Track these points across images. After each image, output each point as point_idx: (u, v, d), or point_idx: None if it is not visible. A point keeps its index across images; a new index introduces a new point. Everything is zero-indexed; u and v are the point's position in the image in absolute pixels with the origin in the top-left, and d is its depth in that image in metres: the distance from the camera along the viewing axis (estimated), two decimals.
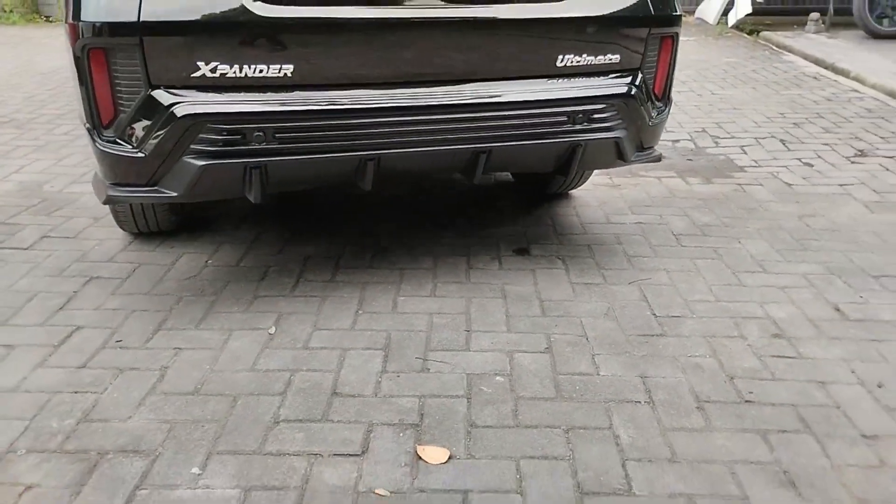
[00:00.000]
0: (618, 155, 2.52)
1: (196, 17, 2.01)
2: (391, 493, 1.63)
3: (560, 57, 2.34)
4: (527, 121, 2.34)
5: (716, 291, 2.55)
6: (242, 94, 2.09)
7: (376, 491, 1.63)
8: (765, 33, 8.40)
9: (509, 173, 3.62)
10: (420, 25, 2.19)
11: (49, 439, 1.79)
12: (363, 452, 1.75)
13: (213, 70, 2.03)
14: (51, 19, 9.25)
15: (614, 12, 2.38)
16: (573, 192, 3.49)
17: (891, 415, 1.90)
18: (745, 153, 4.17)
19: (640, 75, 2.48)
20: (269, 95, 2.10)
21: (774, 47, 7.84)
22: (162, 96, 2.03)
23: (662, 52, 2.52)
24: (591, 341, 2.23)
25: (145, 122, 2.06)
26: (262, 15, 2.03)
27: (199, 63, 2.02)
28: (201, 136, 2.06)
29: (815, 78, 6.19)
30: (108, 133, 2.09)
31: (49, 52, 7.24)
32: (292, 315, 2.37)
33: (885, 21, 7.79)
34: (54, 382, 2.01)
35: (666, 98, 2.63)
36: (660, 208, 3.33)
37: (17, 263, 2.71)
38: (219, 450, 1.76)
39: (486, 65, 2.29)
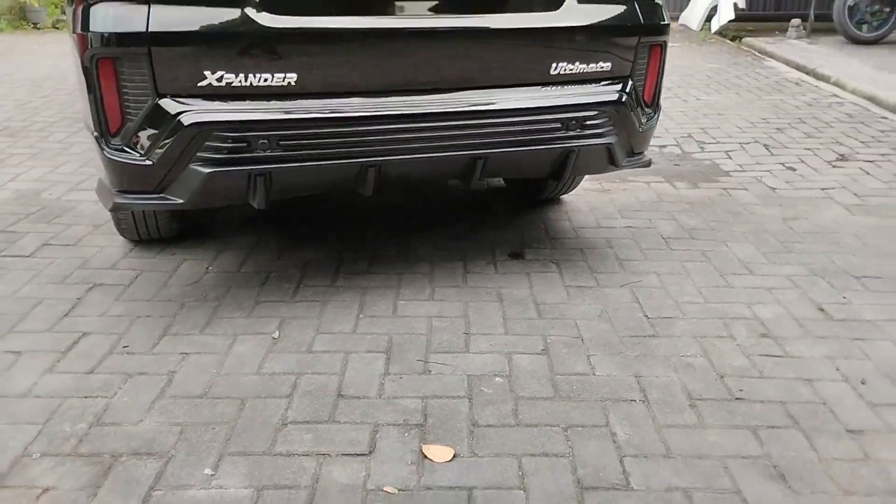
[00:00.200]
0: (609, 160, 2.60)
1: (203, 27, 2.06)
2: (399, 490, 1.69)
3: (554, 65, 2.42)
4: (522, 127, 2.41)
5: (704, 293, 2.63)
6: (247, 102, 2.14)
7: (385, 489, 1.69)
8: (747, 39, 8.55)
9: (501, 179, 3.70)
10: (419, 35, 2.26)
11: (63, 443, 1.83)
12: (370, 452, 1.81)
13: (220, 79, 2.09)
14: (38, 26, 9.23)
15: (605, 21, 2.47)
16: (564, 197, 3.57)
17: (874, 410, 1.98)
18: (731, 158, 4.27)
19: (630, 83, 2.56)
20: (274, 104, 2.16)
21: (757, 53, 7.98)
22: (169, 105, 2.08)
23: (651, 60, 2.60)
24: (586, 342, 2.31)
25: (152, 131, 2.11)
26: (267, 25, 2.09)
27: (205, 72, 2.08)
28: (207, 143, 2.12)
29: (797, 83, 6.32)
30: (116, 141, 2.13)
31: (38, 59, 7.25)
32: (294, 320, 2.43)
33: (865, 27, 7.96)
34: (64, 387, 2.05)
35: (655, 105, 2.71)
36: (649, 212, 3.42)
37: (19, 271, 2.75)
38: (230, 451, 1.81)
39: (482, 73, 2.37)
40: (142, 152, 2.14)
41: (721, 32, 9.05)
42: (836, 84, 6.13)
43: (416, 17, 2.25)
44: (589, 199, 3.58)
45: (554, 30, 2.40)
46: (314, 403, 1.99)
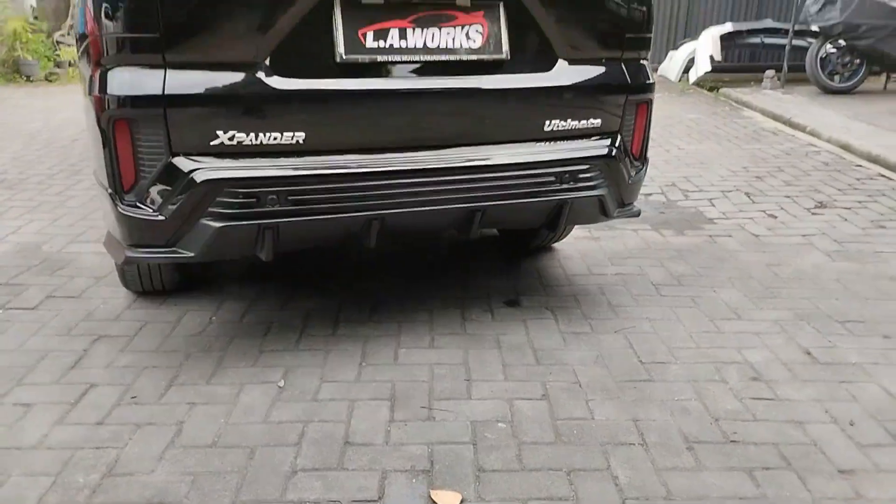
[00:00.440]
0: (601, 211, 2.72)
1: (216, 90, 2.16)
2: None
3: (547, 122, 2.54)
4: (518, 181, 2.52)
5: (695, 338, 2.72)
6: (257, 159, 2.23)
7: None
8: (724, 90, 8.85)
9: (495, 229, 3.80)
10: (421, 95, 2.38)
11: (77, 493, 1.87)
12: (380, 498, 1.86)
13: (231, 138, 2.18)
14: (31, 79, 9.36)
15: (595, 81, 2.60)
16: (556, 245, 3.67)
17: (863, 451, 2.06)
18: (714, 206, 4.42)
19: (619, 138, 2.69)
20: (282, 161, 2.25)
21: (734, 103, 8.25)
22: (182, 163, 2.17)
23: (639, 116, 2.74)
24: (584, 387, 2.38)
25: (166, 187, 2.19)
26: (277, 88, 2.20)
27: (217, 132, 2.17)
28: (218, 199, 2.20)
29: (774, 133, 6.55)
30: (130, 197, 2.21)
31: (32, 112, 7.36)
32: (299, 368, 2.48)
33: (837, 77, 8.28)
34: (75, 438, 2.09)
35: (643, 158, 2.84)
36: (638, 259, 3.53)
37: (25, 323, 2.79)
38: (242, 500, 1.85)
39: (480, 130, 2.48)
40: (154, 208, 2.21)
41: (699, 83, 9.36)
42: (811, 133, 6.36)
43: (417, 79, 2.37)
44: (579, 246, 3.69)
45: (547, 89, 2.53)
46: (322, 451, 2.04)
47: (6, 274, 3.26)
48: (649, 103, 2.78)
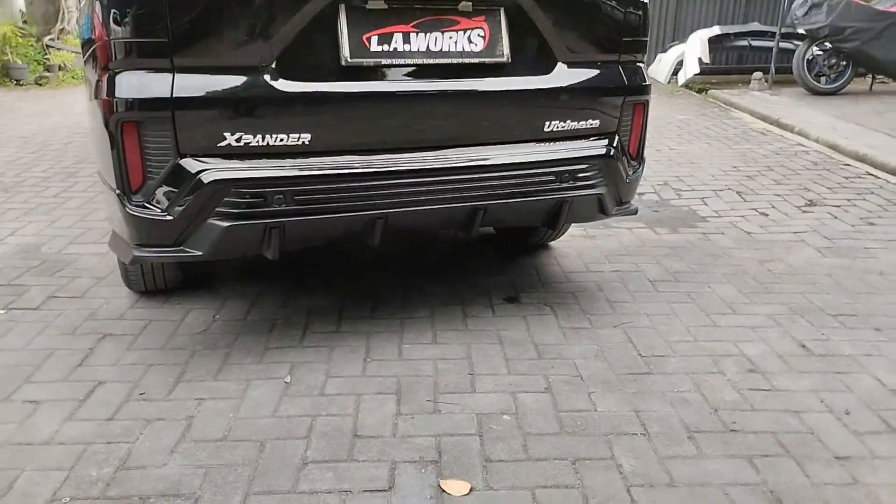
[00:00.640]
0: (600, 209, 2.77)
1: (224, 93, 2.20)
2: None
3: (547, 123, 2.59)
4: (519, 180, 2.57)
5: (693, 332, 2.78)
6: (264, 160, 2.27)
7: None
8: (713, 91, 8.95)
9: (492, 228, 3.85)
10: (424, 97, 2.42)
11: (91, 487, 1.89)
12: (390, 488, 1.90)
13: (239, 140, 2.22)
14: (21, 83, 9.33)
15: (593, 83, 2.66)
16: (552, 243, 3.72)
17: (859, 438, 2.12)
18: (706, 204, 4.49)
19: (616, 138, 2.74)
20: (289, 161, 2.29)
21: (723, 104, 8.35)
22: (190, 164, 2.20)
23: (635, 117, 2.80)
24: (586, 380, 2.43)
25: (173, 188, 2.22)
26: (284, 90, 2.24)
27: (225, 134, 2.21)
28: (226, 199, 2.23)
29: (763, 133, 6.64)
30: (138, 198, 2.24)
31: (24, 116, 7.35)
32: (304, 364, 2.52)
33: (823, 79, 8.40)
34: (86, 434, 2.12)
35: (640, 157, 2.90)
36: (633, 257, 3.58)
37: (29, 323, 2.81)
38: (255, 490, 1.89)
39: (482, 131, 2.53)
40: (162, 208, 2.24)
41: (687, 85, 9.46)
42: (799, 133, 6.45)
43: (420, 81, 2.41)
44: (576, 244, 3.74)
45: (547, 91, 2.58)
46: (332, 444, 2.08)
47: (7, 275, 3.27)
48: (646, 104, 2.83)
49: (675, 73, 9.68)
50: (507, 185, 2.56)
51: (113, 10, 2.11)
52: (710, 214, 4.29)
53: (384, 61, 2.34)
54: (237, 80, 2.22)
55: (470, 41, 2.43)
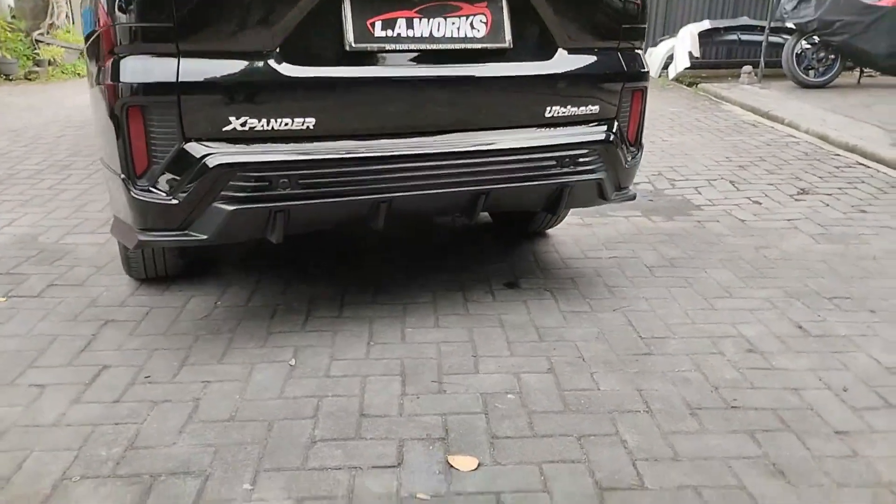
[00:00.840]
0: (599, 194, 2.80)
1: (229, 77, 2.20)
2: (431, 496, 1.80)
3: (548, 108, 2.62)
4: (521, 165, 2.59)
5: (692, 315, 2.82)
6: (269, 144, 2.28)
7: (418, 495, 1.80)
8: (703, 85, 9.02)
9: (488, 215, 3.88)
10: (427, 83, 2.44)
11: (101, 466, 1.90)
12: (399, 464, 1.92)
13: (244, 124, 2.23)
14: (10, 78, 9.27)
15: (593, 69, 2.69)
16: (549, 231, 3.75)
17: (858, 414, 2.16)
18: (700, 193, 4.53)
19: (616, 124, 2.77)
20: (293, 146, 2.30)
21: (713, 97, 8.42)
22: (195, 148, 2.21)
23: (634, 103, 2.83)
24: (588, 361, 2.46)
25: (179, 172, 2.23)
26: (288, 75, 2.25)
27: (230, 118, 2.21)
28: (231, 183, 2.24)
29: (754, 125, 6.70)
30: (142, 182, 2.24)
31: (14, 110, 7.30)
32: (308, 348, 2.53)
33: (812, 72, 8.49)
34: (93, 416, 2.12)
35: (638, 143, 2.93)
36: (630, 244, 3.62)
37: (30, 310, 2.81)
38: (265, 468, 1.90)
39: (485, 116, 2.55)
40: (167, 192, 2.25)
41: (678, 79, 9.53)
42: (790, 125, 6.52)
43: (423, 66, 2.43)
44: (572, 232, 3.77)
45: (548, 77, 2.61)
46: (339, 423, 2.10)
47: (5, 264, 3.26)
48: (644, 91, 2.87)
49: (666, 67, 9.75)
50: (508, 170, 2.58)
51: None
52: (704, 203, 4.33)
53: (388, 46, 2.35)
54: (242, 65, 2.22)
55: (472, 27, 2.45)
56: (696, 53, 9.23)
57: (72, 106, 7.58)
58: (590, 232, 3.79)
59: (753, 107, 7.37)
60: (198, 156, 2.21)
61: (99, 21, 2.23)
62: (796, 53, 8.37)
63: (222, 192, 2.25)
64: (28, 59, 9.64)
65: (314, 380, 2.33)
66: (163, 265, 2.97)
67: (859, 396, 2.25)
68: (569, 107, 2.66)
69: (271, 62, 2.24)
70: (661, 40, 10.19)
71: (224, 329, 2.67)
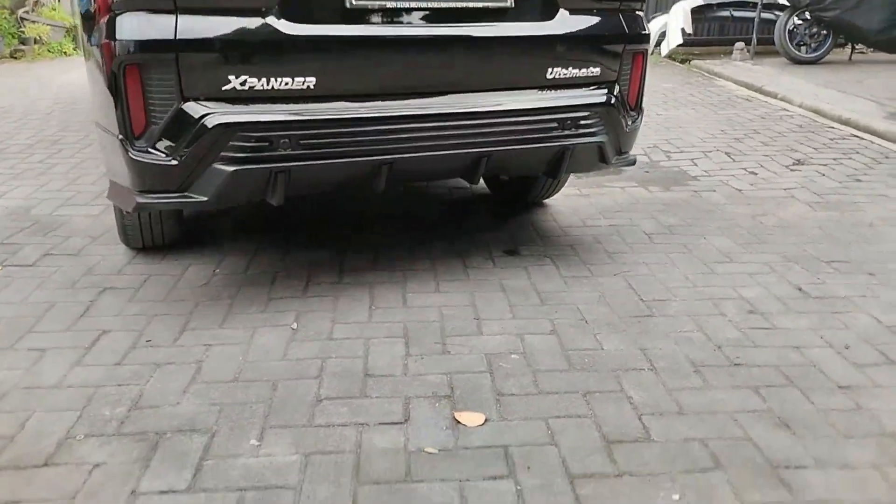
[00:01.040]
0: (600, 158, 2.79)
1: (228, 35, 2.17)
2: (439, 450, 1.79)
3: (550, 70, 2.60)
4: (523, 127, 2.57)
5: (692, 279, 2.82)
6: (269, 104, 2.25)
7: (426, 449, 1.79)
8: (696, 62, 9.00)
9: (485, 185, 3.86)
10: (428, 43, 2.41)
11: (105, 425, 1.89)
12: (406, 420, 1.91)
13: (243, 83, 2.20)
14: None
15: (594, 30, 2.67)
16: (547, 201, 3.74)
17: (860, 370, 2.17)
18: (696, 165, 4.53)
19: (617, 87, 2.76)
20: (294, 106, 2.27)
21: (706, 73, 8.40)
22: (194, 108, 2.18)
23: (635, 66, 2.81)
24: (591, 323, 2.46)
25: (178, 133, 2.19)
26: (287, 33, 2.22)
27: (229, 77, 2.18)
28: (231, 143, 2.21)
29: (748, 100, 6.70)
30: (141, 143, 2.21)
31: (2, 89, 7.19)
32: (310, 313, 2.52)
33: (804, 48, 8.48)
34: (96, 378, 2.11)
35: (638, 107, 2.92)
36: (628, 213, 3.62)
37: (25, 279, 2.77)
38: (271, 425, 1.89)
39: (486, 77, 2.53)
40: (166, 153, 2.22)
41: (671, 56, 9.50)
42: (783, 99, 6.52)
43: (423, 26, 2.40)
44: (570, 202, 3.77)
45: (549, 37, 2.58)
46: (344, 382, 2.09)
47: None
48: (644, 54, 2.85)
49: (658, 44, 9.71)
50: (510, 132, 2.57)
51: None
52: (700, 174, 4.33)
53: (388, 4, 2.32)
54: (241, 22, 2.19)
55: None
56: (689, 30, 9.21)
57: (59, 84, 7.48)
58: (588, 202, 3.78)
59: (746, 82, 7.37)
60: (196, 116, 2.18)
61: None
62: (788, 30, 8.36)
63: (222, 153, 2.23)
64: (13, 37, 9.49)
65: (317, 342, 2.32)
66: (160, 232, 2.94)
67: (861, 353, 2.27)
68: (570, 68, 2.64)
69: (270, 19, 2.21)
70: (654, 17, 10.14)
71: (224, 295, 2.65)
